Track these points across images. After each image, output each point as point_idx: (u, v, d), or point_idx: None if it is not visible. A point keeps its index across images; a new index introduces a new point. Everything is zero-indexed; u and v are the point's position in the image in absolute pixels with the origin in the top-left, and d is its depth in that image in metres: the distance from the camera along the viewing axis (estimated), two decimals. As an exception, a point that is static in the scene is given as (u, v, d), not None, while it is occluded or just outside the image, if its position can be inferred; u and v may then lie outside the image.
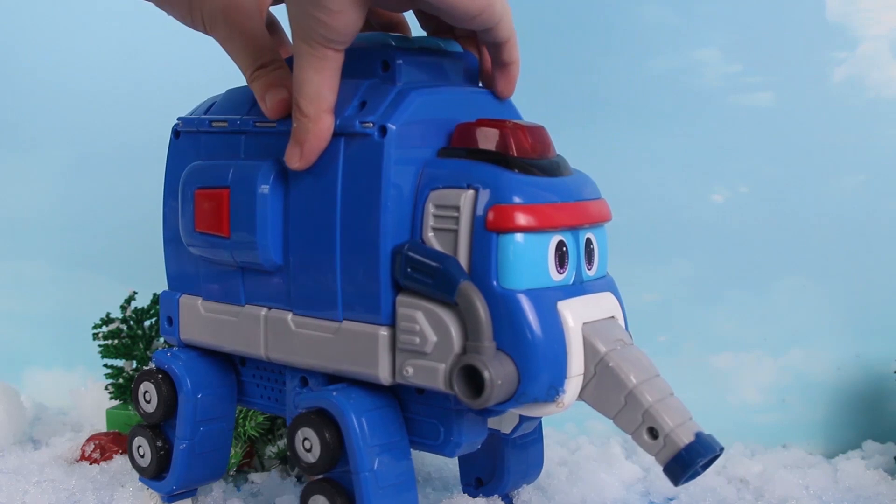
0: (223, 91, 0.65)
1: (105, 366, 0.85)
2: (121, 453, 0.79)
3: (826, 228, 0.87)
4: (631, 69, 0.88)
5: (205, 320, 0.64)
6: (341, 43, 0.54)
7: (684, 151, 0.88)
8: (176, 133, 0.65)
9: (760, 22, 0.86)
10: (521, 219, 0.52)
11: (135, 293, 0.86)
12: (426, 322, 0.54)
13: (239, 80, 0.61)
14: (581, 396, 0.54)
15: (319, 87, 0.55)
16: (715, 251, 0.88)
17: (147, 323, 0.85)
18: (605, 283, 0.58)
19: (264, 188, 0.58)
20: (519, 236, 0.53)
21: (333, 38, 0.54)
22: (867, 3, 0.84)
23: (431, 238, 0.55)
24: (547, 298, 0.53)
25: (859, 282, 0.86)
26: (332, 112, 0.56)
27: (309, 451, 0.57)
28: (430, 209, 0.55)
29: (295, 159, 0.57)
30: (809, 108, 0.86)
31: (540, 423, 0.67)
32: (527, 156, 0.55)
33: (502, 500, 0.68)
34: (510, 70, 0.61)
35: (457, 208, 0.54)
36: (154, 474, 0.66)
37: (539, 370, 0.52)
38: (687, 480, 0.53)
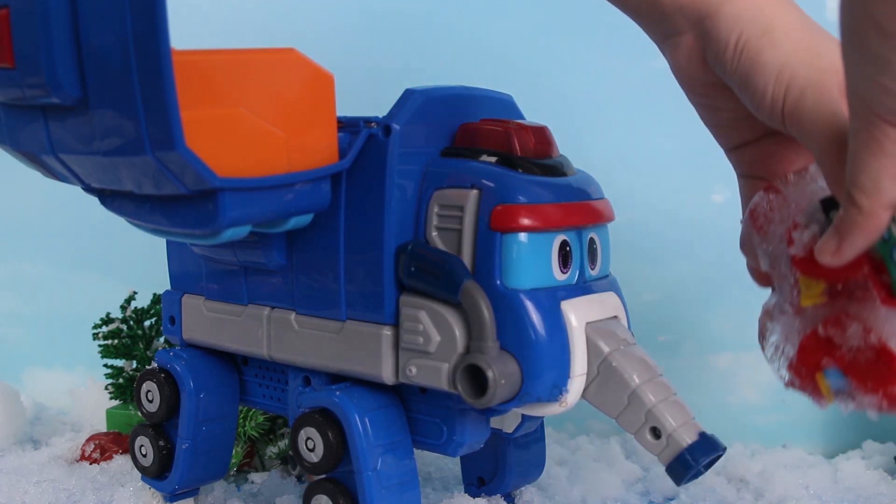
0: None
1: (105, 366, 0.85)
2: (121, 453, 0.79)
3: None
4: (631, 69, 0.88)
5: (207, 320, 0.64)
6: None
7: (684, 151, 0.88)
8: None
9: (760, 22, 0.86)
10: (525, 219, 0.53)
11: (135, 293, 0.86)
12: (430, 321, 0.54)
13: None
14: (584, 396, 0.54)
15: (877, 175, 0.44)
16: (715, 251, 0.88)
17: (147, 323, 0.85)
18: (608, 283, 0.58)
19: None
20: (523, 236, 0.53)
21: None
22: (867, 4, 0.84)
23: (435, 238, 0.55)
24: (550, 298, 0.53)
25: (859, 282, 0.86)
26: (892, 208, 0.45)
27: (312, 450, 0.57)
28: (434, 209, 0.55)
29: (829, 252, 0.47)
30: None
31: (542, 423, 0.67)
32: (530, 156, 0.55)
33: (504, 499, 0.68)
34: None
35: (461, 208, 0.54)
36: (156, 474, 0.66)
37: (542, 370, 0.52)
38: (689, 480, 0.53)
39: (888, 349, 0.50)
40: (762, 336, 0.55)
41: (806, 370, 0.52)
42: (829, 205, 0.50)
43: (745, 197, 0.57)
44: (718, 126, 0.58)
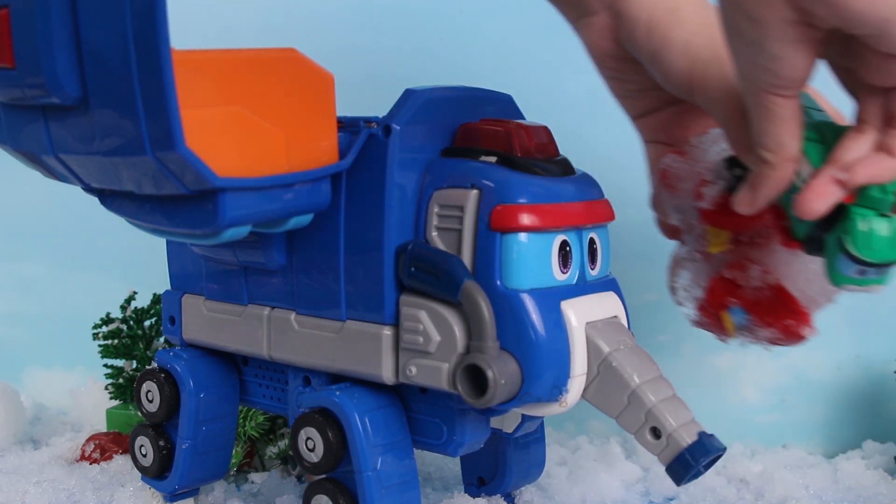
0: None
1: (105, 366, 0.85)
2: (121, 453, 0.79)
3: (826, 228, 0.87)
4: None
5: (207, 320, 0.64)
6: (789, 90, 0.50)
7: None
8: None
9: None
10: (525, 219, 0.53)
11: (135, 293, 0.86)
12: (430, 321, 0.54)
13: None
14: (584, 396, 0.55)
15: (779, 137, 0.51)
16: (715, 251, 0.88)
17: (147, 323, 0.85)
18: (608, 283, 0.58)
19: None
20: (523, 236, 0.53)
21: (779, 85, 0.49)
22: (867, 4, 0.84)
23: (435, 238, 0.55)
24: (550, 298, 0.53)
25: (859, 282, 0.86)
26: (796, 160, 0.51)
27: (312, 450, 0.57)
28: (434, 209, 0.55)
29: (744, 203, 0.53)
30: (809, 108, 0.86)
31: (542, 423, 0.67)
32: (530, 156, 0.55)
33: (504, 499, 0.68)
34: None
35: (461, 208, 0.54)
36: (156, 474, 0.66)
37: (542, 370, 0.52)
38: (689, 480, 0.53)
39: (783, 288, 0.58)
40: (672, 282, 0.62)
41: (713, 309, 0.59)
42: (732, 163, 0.57)
43: (652, 160, 0.63)
44: (626, 97, 0.64)
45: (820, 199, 0.50)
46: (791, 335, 0.59)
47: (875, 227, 0.50)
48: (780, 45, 0.48)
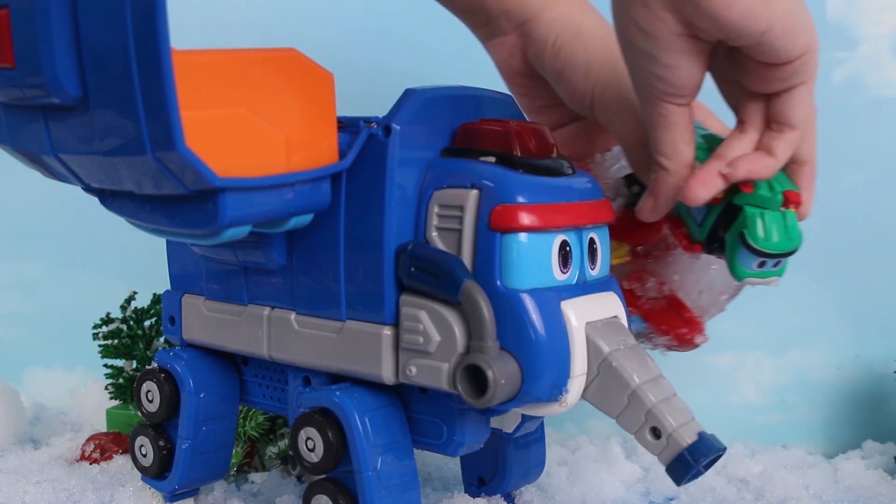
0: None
1: (105, 366, 0.85)
2: (121, 453, 0.79)
3: (826, 228, 0.87)
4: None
5: (207, 320, 0.64)
6: (682, 97, 0.55)
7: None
8: None
9: (760, 22, 0.86)
10: (525, 219, 0.53)
11: (135, 293, 0.86)
12: (430, 321, 0.54)
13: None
14: (584, 396, 0.54)
15: (674, 143, 0.56)
16: (715, 251, 0.88)
17: (147, 323, 0.85)
18: (608, 283, 0.58)
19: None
20: (523, 236, 0.53)
21: (672, 93, 0.54)
22: (867, 3, 0.84)
23: (435, 238, 0.55)
24: (550, 298, 0.53)
25: (859, 282, 0.86)
26: (691, 165, 0.56)
27: (312, 450, 0.57)
28: (434, 209, 0.55)
29: (647, 210, 0.58)
30: (809, 108, 0.86)
31: (542, 423, 0.67)
32: (530, 156, 0.55)
33: (504, 499, 0.68)
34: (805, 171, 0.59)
35: (461, 208, 0.54)
36: (156, 474, 0.66)
37: (542, 370, 0.52)
38: (689, 480, 0.53)
39: (677, 298, 0.63)
40: None
41: None
42: (630, 180, 0.63)
43: None
44: (535, 112, 0.68)
45: (705, 187, 0.55)
46: (685, 342, 0.65)
47: (770, 220, 0.56)
48: (671, 55, 0.53)
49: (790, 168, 0.59)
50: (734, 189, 0.57)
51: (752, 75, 0.55)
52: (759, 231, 0.56)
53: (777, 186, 0.57)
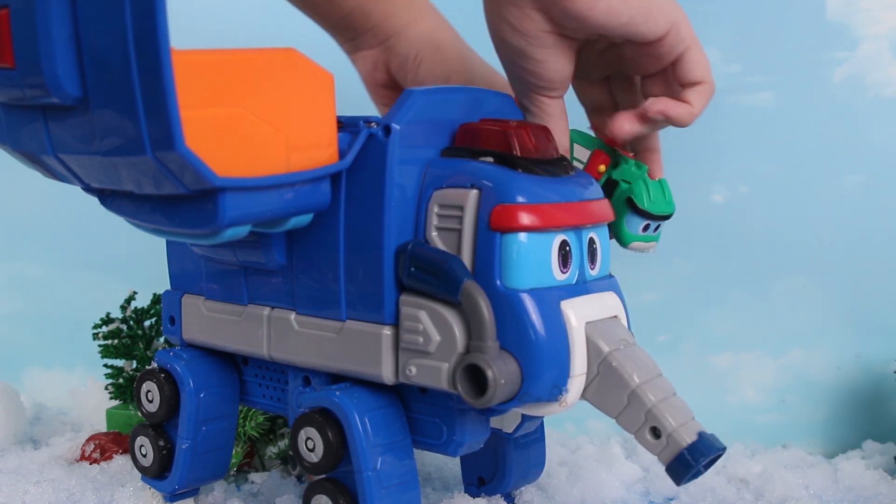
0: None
1: (105, 366, 0.85)
2: (121, 453, 0.79)
3: (826, 228, 0.87)
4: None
5: (207, 320, 0.64)
6: (553, 90, 0.60)
7: (684, 151, 0.88)
8: None
9: (760, 22, 0.87)
10: (525, 218, 0.53)
11: (135, 293, 0.86)
12: (430, 321, 0.54)
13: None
14: (584, 396, 0.54)
15: (556, 135, 0.60)
16: (715, 251, 0.88)
17: (147, 323, 0.85)
18: (607, 283, 0.58)
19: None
20: (522, 236, 0.53)
21: (543, 87, 0.59)
22: (867, 3, 0.84)
23: (435, 238, 0.55)
24: (550, 298, 0.53)
25: (859, 282, 0.86)
26: (566, 152, 0.62)
27: (312, 450, 0.57)
28: (434, 209, 0.55)
29: None
30: (809, 108, 0.86)
31: (542, 423, 0.67)
32: (530, 156, 0.55)
33: (504, 499, 0.68)
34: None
35: (460, 208, 0.54)
36: (156, 474, 0.66)
37: (542, 369, 0.52)
38: (689, 480, 0.53)
39: None
40: None
41: None
42: None
43: None
44: None
45: (628, 123, 0.61)
46: None
47: (652, 186, 0.63)
48: (540, 51, 0.58)
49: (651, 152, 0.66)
50: (614, 164, 0.64)
51: (637, 61, 0.61)
52: (645, 195, 0.63)
53: (643, 167, 0.64)
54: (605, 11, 0.56)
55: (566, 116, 0.61)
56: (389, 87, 0.71)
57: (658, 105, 0.60)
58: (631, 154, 0.66)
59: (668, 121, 0.61)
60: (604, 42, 0.60)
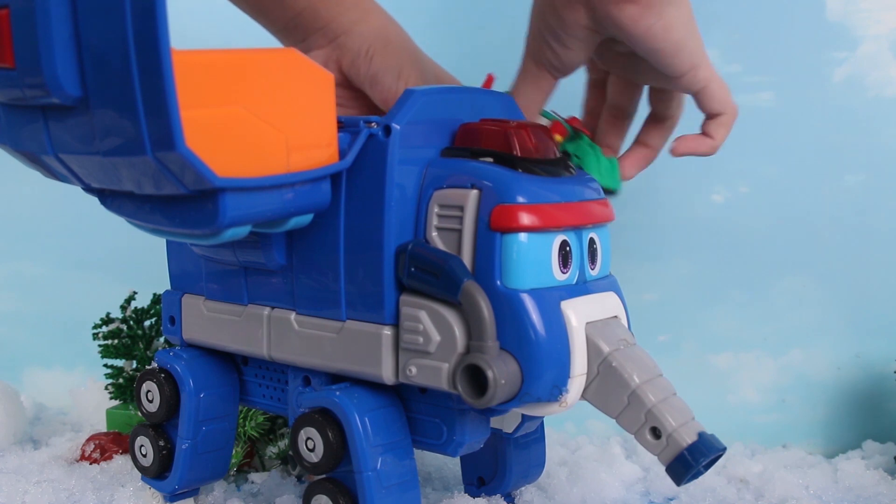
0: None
1: (105, 366, 0.85)
2: (121, 453, 0.79)
3: (826, 228, 0.87)
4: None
5: (207, 320, 0.64)
6: (562, 73, 0.65)
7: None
8: None
9: (760, 22, 0.86)
10: (525, 218, 0.52)
11: (135, 293, 0.86)
12: (430, 321, 0.54)
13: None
14: (584, 396, 0.54)
15: (529, 102, 0.65)
16: (715, 251, 0.88)
17: (147, 323, 0.85)
18: (608, 283, 0.58)
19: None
20: (523, 236, 0.53)
21: (558, 67, 0.64)
22: (867, 3, 0.84)
23: (435, 238, 0.55)
24: (550, 298, 0.53)
25: (859, 282, 0.86)
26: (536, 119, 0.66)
27: (312, 450, 0.57)
28: (434, 209, 0.55)
29: None
30: (809, 108, 0.86)
31: (542, 423, 0.67)
32: (530, 156, 0.55)
33: (504, 499, 0.68)
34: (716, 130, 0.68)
35: (461, 208, 0.54)
36: (156, 474, 0.66)
37: (542, 370, 0.52)
38: (689, 480, 0.53)
39: None
40: None
41: None
42: None
43: None
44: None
45: (635, 166, 0.69)
46: None
47: (605, 163, 0.67)
48: (570, 40, 0.62)
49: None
50: (570, 138, 0.66)
51: (648, 75, 0.66)
52: (595, 168, 0.65)
53: (597, 148, 0.67)
54: (645, 31, 0.59)
55: (548, 95, 0.66)
56: (342, 85, 0.71)
57: (682, 148, 0.67)
58: (589, 132, 0.68)
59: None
60: (626, 47, 0.63)
